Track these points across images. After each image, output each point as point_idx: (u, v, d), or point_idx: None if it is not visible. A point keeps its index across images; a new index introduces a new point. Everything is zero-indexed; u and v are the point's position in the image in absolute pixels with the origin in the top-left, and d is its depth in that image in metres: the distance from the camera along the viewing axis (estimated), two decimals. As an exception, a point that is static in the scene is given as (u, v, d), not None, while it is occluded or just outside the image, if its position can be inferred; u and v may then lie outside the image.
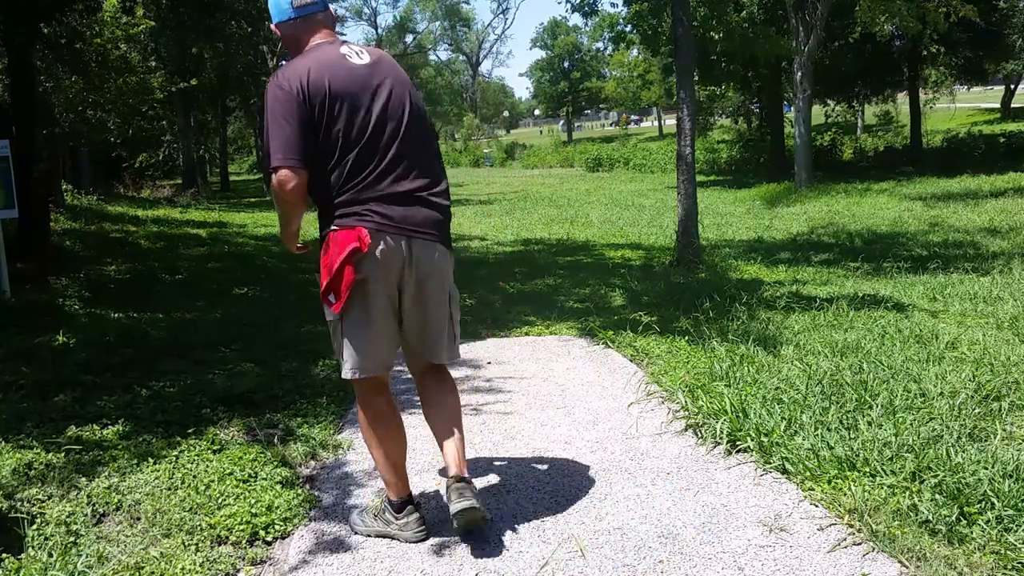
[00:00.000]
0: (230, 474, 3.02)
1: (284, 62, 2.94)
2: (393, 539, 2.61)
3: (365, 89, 2.51)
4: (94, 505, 2.82)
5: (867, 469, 2.79)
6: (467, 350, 5.02)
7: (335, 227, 2.49)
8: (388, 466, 2.64)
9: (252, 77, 23.97)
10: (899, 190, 16.25)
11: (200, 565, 2.44)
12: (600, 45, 59.10)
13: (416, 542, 2.59)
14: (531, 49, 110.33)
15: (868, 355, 4.08)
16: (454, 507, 2.47)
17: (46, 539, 2.57)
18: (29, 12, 7.08)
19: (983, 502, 2.50)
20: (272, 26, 2.69)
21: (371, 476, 3.14)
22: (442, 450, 2.66)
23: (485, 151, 42.49)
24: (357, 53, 2.58)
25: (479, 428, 3.64)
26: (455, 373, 4.44)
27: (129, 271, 8.19)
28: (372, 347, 2.56)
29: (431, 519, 2.71)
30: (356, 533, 2.69)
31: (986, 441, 2.99)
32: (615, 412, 3.79)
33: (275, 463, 3.16)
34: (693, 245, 8.28)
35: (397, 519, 2.62)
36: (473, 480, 2.63)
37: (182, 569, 2.41)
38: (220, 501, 2.83)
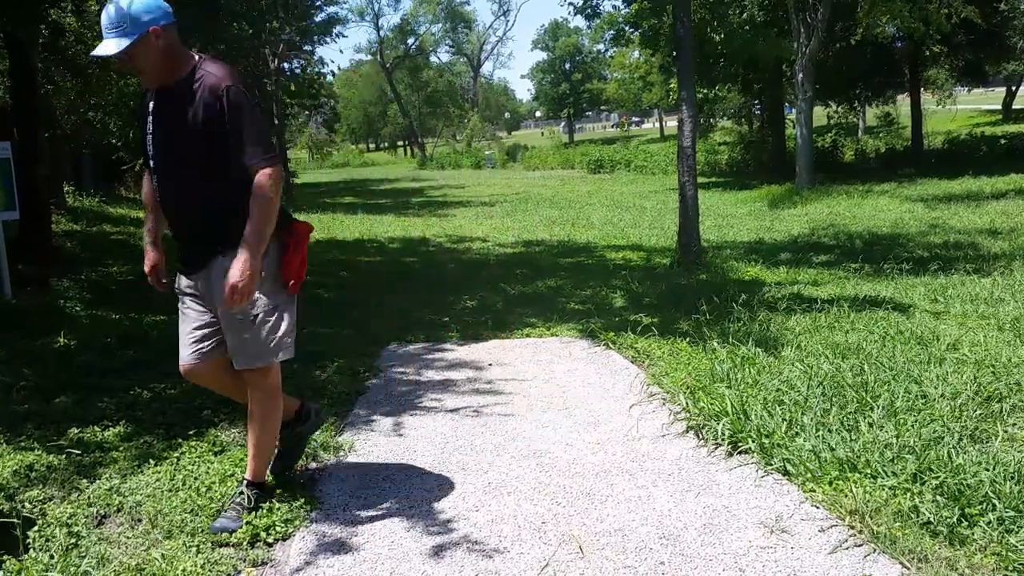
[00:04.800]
0: (231, 475, 3.02)
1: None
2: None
3: None
4: (95, 507, 2.83)
5: (868, 470, 2.79)
6: (469, 352, 5.03)
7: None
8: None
9: (254, 79, 23.96)
10: (900, 191, 16.24)
11: (201, 567, 2.44)
12: (601, 47, 59.09)
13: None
14: (532, 51, 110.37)
15: (869, 357, 4.08)
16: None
17: (47, 541, 2.57)
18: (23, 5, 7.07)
19: (984, 503, 2.50)
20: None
21: (372, 479, 3.14)
22: None
23: (486, 153, 42.56)
24: None
25: (480, 430, 3.64)
26: (457, 374, 4.46)
27: (130, 273, 8.18)
28: None
29: (442, 518, 2.71)
30: None
31: (987, 443, 2.99)
32: (616, 414, 3.79)
33: (276, 465, 3.16)
34: (694, 246, 8.26)
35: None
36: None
37: (183, 571, 2.41)
38: (221, 503, 2.83)
